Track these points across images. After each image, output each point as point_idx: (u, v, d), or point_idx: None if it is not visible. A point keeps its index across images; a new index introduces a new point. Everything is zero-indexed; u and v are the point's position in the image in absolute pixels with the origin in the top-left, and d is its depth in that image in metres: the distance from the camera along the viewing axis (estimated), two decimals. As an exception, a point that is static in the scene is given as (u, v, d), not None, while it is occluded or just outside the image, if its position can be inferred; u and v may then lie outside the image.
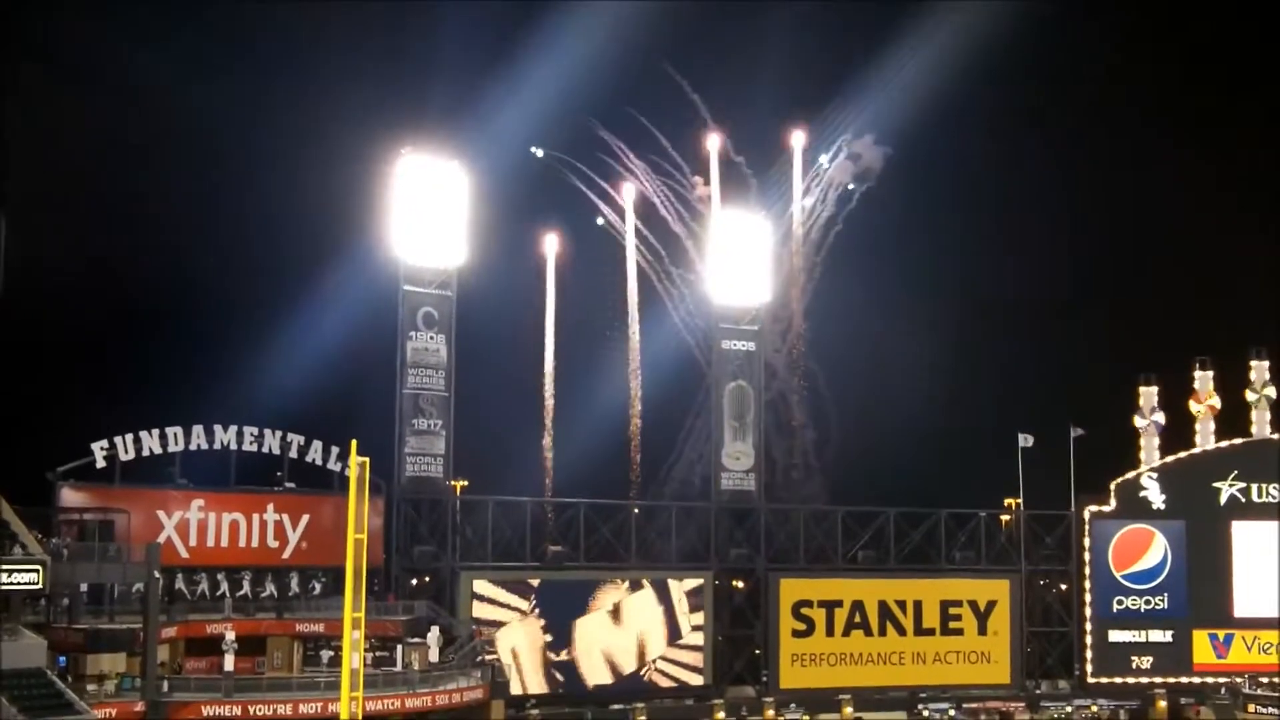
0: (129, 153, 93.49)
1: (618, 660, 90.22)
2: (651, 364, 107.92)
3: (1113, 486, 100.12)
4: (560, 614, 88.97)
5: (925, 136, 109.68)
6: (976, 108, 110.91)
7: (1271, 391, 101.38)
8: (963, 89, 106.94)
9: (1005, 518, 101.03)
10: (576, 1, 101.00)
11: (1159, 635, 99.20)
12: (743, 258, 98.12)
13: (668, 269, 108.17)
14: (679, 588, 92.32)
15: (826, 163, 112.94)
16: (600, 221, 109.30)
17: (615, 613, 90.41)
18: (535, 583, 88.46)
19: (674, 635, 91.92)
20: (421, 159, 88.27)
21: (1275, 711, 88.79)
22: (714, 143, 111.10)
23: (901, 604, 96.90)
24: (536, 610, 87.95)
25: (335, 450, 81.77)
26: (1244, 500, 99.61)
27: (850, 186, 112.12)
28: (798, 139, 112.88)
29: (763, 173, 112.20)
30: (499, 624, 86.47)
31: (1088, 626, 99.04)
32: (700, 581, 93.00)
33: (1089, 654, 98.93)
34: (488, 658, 78.57)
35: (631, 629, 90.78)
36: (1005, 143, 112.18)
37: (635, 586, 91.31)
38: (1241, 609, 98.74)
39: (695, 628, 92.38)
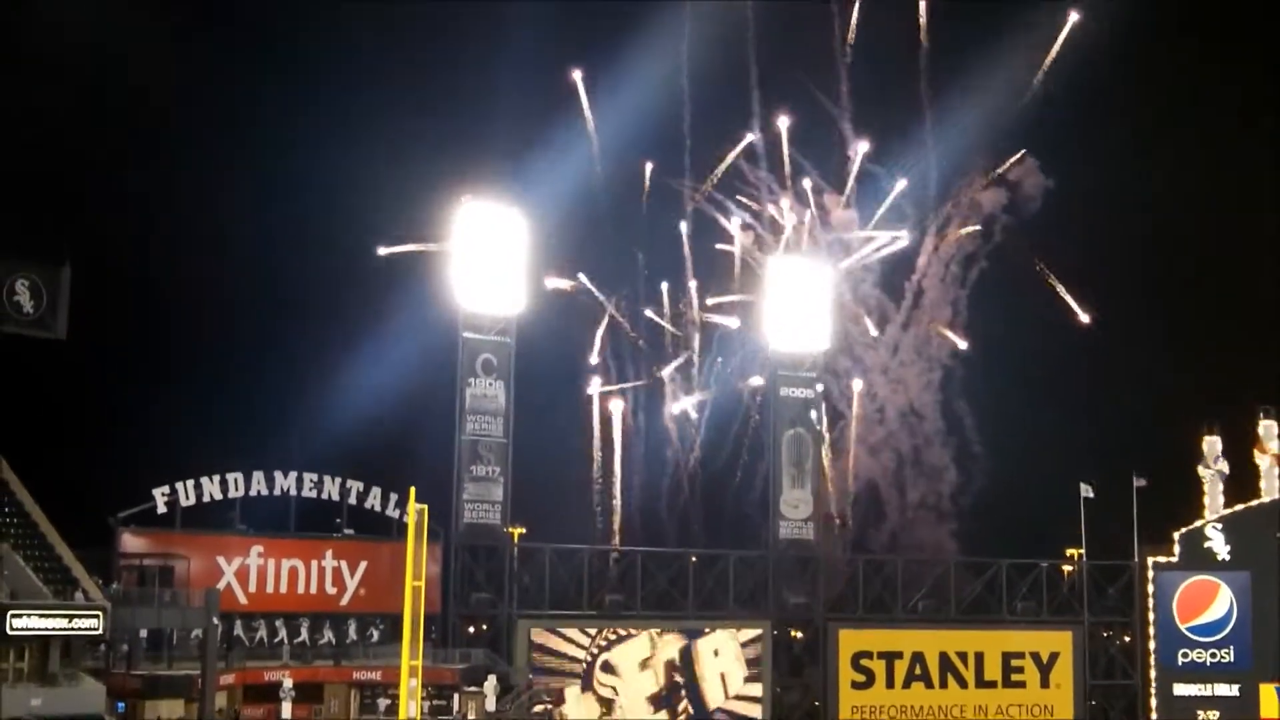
0: (189, 196, 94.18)
1: (676, 710, 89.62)
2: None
3: (1176, 537, 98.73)
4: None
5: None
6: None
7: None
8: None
9: (1067, 568, 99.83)
10: (648, 36, 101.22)
11: (1225, 689, 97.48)
12: (802, 304, 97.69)
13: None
14: (736, 637, 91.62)
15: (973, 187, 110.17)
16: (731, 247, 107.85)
17: (674, 662, 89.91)
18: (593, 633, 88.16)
19: (732, 685, 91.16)
20: (482, 206, 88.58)
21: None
22: (856, 153, 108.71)
23: (963, 655, 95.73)
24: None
25: (394, 497, 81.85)
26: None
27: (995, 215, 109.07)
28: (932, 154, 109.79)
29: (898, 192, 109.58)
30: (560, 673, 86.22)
31: (1152, 679, 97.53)
32: (758, 631, 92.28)
33: (1153, 707, 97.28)
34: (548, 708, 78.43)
35: (691, 678, 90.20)
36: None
37: (693, 635, 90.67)
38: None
39: (752, 678, 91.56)
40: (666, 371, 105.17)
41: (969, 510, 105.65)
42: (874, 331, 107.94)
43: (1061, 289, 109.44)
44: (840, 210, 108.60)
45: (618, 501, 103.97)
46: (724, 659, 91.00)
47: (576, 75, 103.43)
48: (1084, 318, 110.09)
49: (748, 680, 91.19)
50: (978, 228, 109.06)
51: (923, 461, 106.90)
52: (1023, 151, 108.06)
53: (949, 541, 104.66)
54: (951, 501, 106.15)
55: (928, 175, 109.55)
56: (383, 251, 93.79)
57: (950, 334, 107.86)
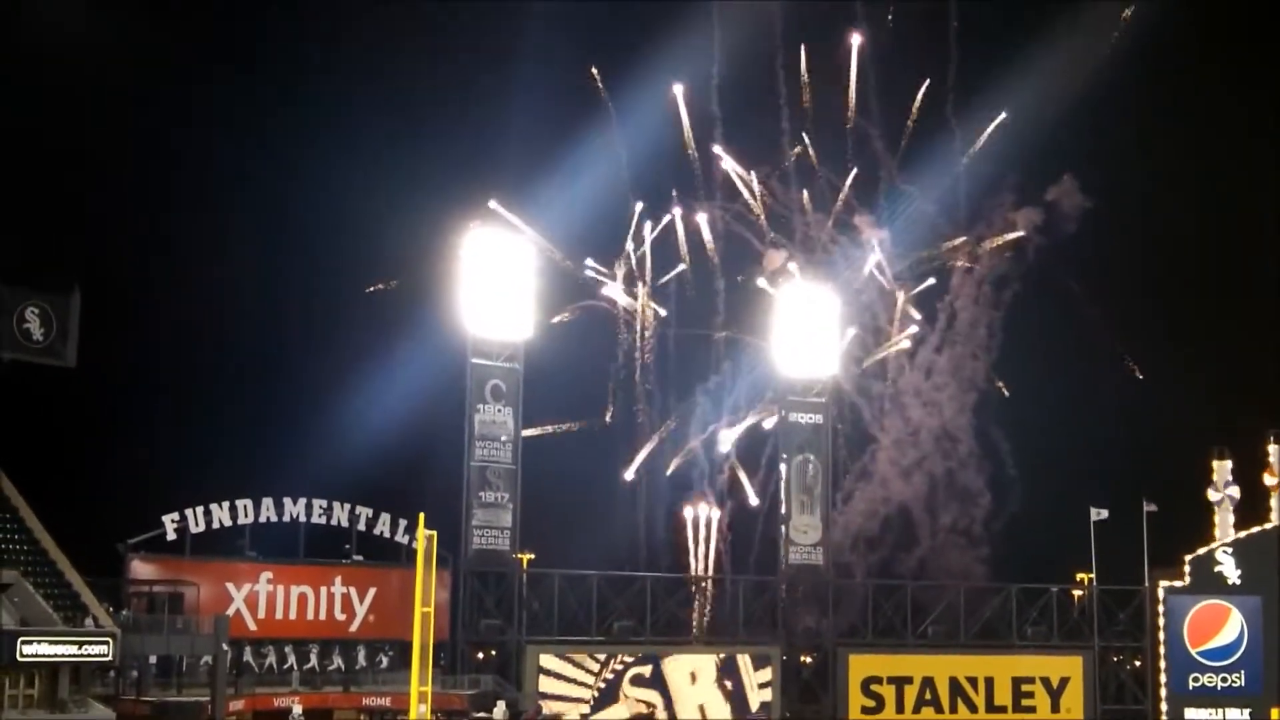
0: (197, 224, 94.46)
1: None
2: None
3: (1187, 561, 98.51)
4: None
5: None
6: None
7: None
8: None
9: (1077, 593, 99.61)
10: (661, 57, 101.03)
11: (1236, 713, 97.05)
12: (809, 330, 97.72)
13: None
14: (746, 662, 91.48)
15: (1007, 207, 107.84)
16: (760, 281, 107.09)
17: (681, 687, 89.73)
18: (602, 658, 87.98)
19: (741, 710, 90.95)
20: (490, 232, 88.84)
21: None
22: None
23: (973, 680, 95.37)
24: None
25: (403, 523, 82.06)
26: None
27: (1026, 235, 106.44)
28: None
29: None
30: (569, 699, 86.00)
31: (1163, 704, 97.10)
32: (768, 656, 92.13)
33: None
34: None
35: (697, 704, 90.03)
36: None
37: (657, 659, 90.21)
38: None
39: (763, 704, 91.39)
40: (696, 397, 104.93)
41: (999, 535, 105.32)
42: (908, 368, 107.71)
43: (1112, 336, 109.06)
44: (871, 229, 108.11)
45: (641, 528, 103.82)
46: (702, 685, 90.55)
47: (600, 89, 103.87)
48: (1138, 374, 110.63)
49: (761, 707, 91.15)
50: (1010, 252, 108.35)
51: (955, 484, 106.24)
52: (1066, 176, 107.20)
53: (977, 567, 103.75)
54: (983, 527, 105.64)
55: (958, 193, 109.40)
56: (369, 289, 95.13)
57: (1000, 384, 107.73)
